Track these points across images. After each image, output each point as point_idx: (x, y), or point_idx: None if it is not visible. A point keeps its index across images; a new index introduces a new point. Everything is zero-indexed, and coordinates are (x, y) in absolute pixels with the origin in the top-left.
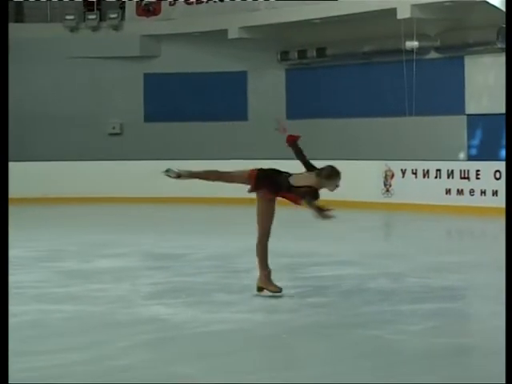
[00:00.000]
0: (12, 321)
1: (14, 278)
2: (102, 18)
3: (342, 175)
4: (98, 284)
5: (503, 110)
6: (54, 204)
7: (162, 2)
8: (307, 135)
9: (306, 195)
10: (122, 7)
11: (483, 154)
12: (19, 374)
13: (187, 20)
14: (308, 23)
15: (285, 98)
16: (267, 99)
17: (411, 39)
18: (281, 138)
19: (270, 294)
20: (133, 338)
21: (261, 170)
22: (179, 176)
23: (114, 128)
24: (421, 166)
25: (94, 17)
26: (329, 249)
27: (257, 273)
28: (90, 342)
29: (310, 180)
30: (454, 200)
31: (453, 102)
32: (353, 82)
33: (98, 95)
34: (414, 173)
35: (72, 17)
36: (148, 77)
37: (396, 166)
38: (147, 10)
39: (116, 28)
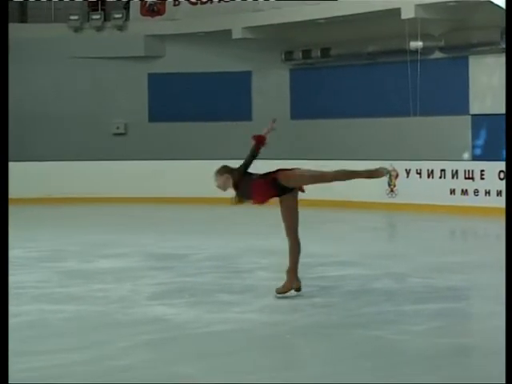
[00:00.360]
0: (13, 321)
1: (14, 278)
2: (106, 18)
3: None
4: (99, 284)
5: None
6: (57, 204)
7: (166, 2)
8: (311, 135)
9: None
10: (127, 7)
11: (487, 154)
12: (19, 374)
13: (191, 20)
14: (312, 23)
15: (289, 98)
16: (271, 99)
17: (415, 39)
18: (283, 138)
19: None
20: (133, 338)
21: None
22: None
23: (118, 128)
24: (425, 166)
25: (98, 17)
26: (332, 249)
27: (258, 273)
28: (91, 342)
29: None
30: (458, 200)
31: (457, 102)
32: (357, 82)
33: (103, 95)
34: (419, 173)
35: (76, 17)
36: (152, 77)
37: (400, 166)
38: (151, 10)
39: (120, 28)
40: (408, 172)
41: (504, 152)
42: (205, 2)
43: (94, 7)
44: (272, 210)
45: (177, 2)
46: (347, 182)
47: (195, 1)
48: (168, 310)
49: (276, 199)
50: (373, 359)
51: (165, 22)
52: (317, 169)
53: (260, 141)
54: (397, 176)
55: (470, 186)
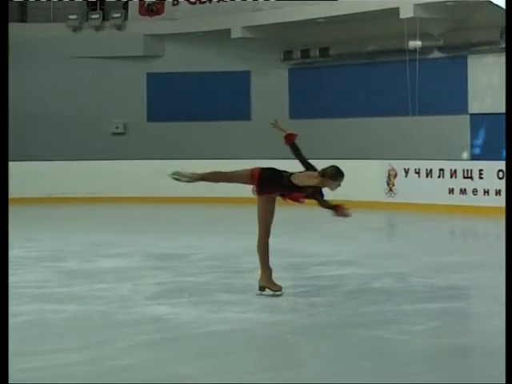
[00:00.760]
0: (12, 321)
1: (15, 278)
2: (105, 18)
3: (345, 175)
4: (100, 284)
5: None
6: (57, 204)
7: (165, 2)
8: (310, 135)
9: (314, 195)
10: (125, 7)
11: (486, 153)
12: (19, 374)
13: (190, 20)
14: (311, 23)
15: (288, 98)
16: (270, 99)
17: (414, 39)
18: (282, 137)
19: (271, 293)
20: (133, 338)
21: (263, 170)
22: (191, 180)
23: (117, 128)
24: (424, 165)
25: (97, 16)
26: (331, 249)
27: (258, 273)
28: (91, 342)
29: (312, 179)
30: (457, 200)
31: (456, 101)
32: (356, 81)
33: (102, 95)
34: (417, 172)
35: (75, 16)
36: (151, 76)
37: (399, 165)
38: (150, 10)
39: (119, 28)
40: (407, 171)
41: (503, 151)
42: (204, 2)
43: (92, 7)
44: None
45: (176, 2)
46: (345, 181)
47: (194, 0)
48: (168, 310)
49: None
50: (373, 359)
51: (164, 21)
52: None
53: (291, 138)
54: (396, 175)
55: (468, 185)
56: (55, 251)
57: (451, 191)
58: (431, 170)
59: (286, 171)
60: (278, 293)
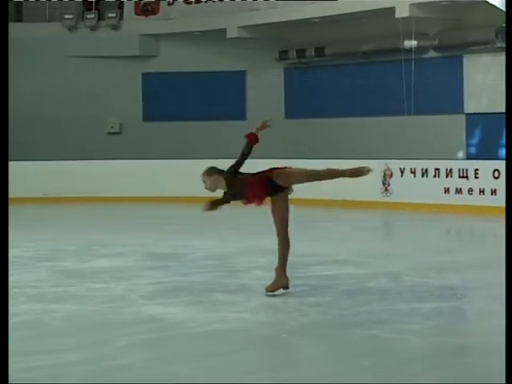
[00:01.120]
0: (10, 321)
1: (12, 277)
2: (100, 18)
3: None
4: (97, 284)
5: (502, 109)
6: (54, 204)
7: (161, 2)
8: (306, 134)
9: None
10: (121, 7)
11: (482, 153)
12: (17, 375)
13: (186, 19)
14: (307, 22)
15: (283, 98)
16: (266, 98)
17: (410, 38)
18: (278, 137)
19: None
20: (131, 337)
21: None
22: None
23: (112, 127)
24: (419, 165)
25: (92, 16)
26: (328, 248)
27: (255, 272)
28: (88, 341)
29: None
30: (452, 199)
31: (452, 101)
32: (352, 81)
33: (97, 95)
34: (413, 172)
35: (71, 16)
36: (147, 76)
37: (395, 165)
38: (146, 10)
39: (115, 27)
40: (402, 171)
41: (498, 151)
42: (199, 2)
43: (88, 7)
44: (268, 210)
45: (171, 2)
46: (341, 181)
47: (190, 0)
48: (164, 310)
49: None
50: (371, 359)
51: (159, 21)
52: (308, 168)
53: (252, 139)
54: (391, 175)
55: (464, 184)
56: (52, 251)
57: (447, 191)
58: (427, 170)
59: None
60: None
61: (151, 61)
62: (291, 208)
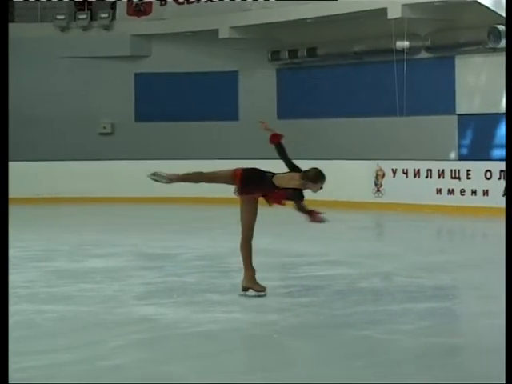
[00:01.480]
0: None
1: None
2: (92, 18)
3: (334, 175)
4: (90, 284)
5: (494, 110)
6: (46, 204)
7: (153, 2)
8: (298, 135)
9: (293, 197)
10: (113, 7)
11: (474, 153)
12: (11, 375)
13: (178, 20)
14: (299, 23)
15: (276, 98)
16: (258, 99)
17: (402, 39)
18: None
19: (254, 293)
20: (124, 337)
21: (245, 170)
22: (170, 181)
23: (104, 128)
24: (411, 165)
25: (84, 17)
26: (320, 249)
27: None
28: (81, 342)
29: (293, 181)
30: (444, 200)
31: (444, 101)
32: (344, 81)
33: (89, 95)
34: (405, 173)
35: (63, 16)
36: (139, 77)
37: (387, 165)
38: (138, 10)
39: (107, 28)
40: (394, 172)
41: (491, 152)
42: (191, 2)
43: (80, 7)
44: (260, 210)
45: (163, 2)
46: (334, 180)
47: (182, 0)
48: (157, 310)
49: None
50: (363, 359)
51: (151, 21)
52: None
53: (277, 138)
54: (383, 176)
55: (456, 185)
56: (44, 251)
57: (439, 191)
58: (419, 171)
59: (269, 172)
60: (261, 293)
61: (143, 61)
62: (285, 209)
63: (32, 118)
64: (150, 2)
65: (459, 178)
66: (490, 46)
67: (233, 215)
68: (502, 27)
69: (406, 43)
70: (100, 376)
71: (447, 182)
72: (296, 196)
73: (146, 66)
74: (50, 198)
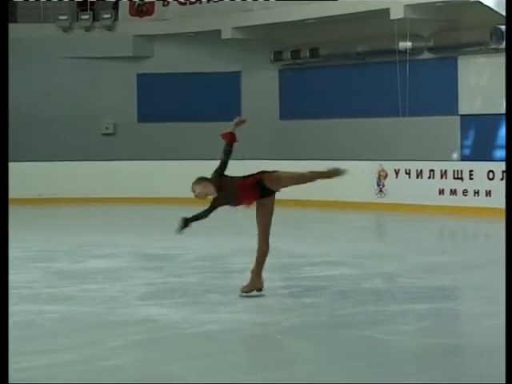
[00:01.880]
0: None
1: None
2: (95, 19)
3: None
4: (91, 284)
5: (496, 111)
6: (48, 204)
7: (156, 3)
8: (300, 135)
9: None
10: (116, 7)
11: (476, 154)
12: (12, 375)
13: (180, 20)
14: (301, 23)
15: (278, 99)
16: (260, 100)
17: (404, 40)
18: (272, 138)
19: (257, 293)
20: (124, 338)
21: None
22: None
23: (107, 128)
24: (414, 166)
25: (87, 17)
26: (321, 249)
27: (248, 273)
28: (82, 342)
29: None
30: (447, 200)
31: (446, 102)
32: (346, 82)
33: (91, 95)
34: (408, 173)
35: (65, 17)
36: (141, 77)
37: (389, 166)
38: (140, 11)
39: (109, 28)
40: (397, 172)
41: (493, 152)
42: (194, 2)
43: (82, 7)
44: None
45: (166, 2)
46: (335, 181)
47: (184, 1)
48: (158, 311)
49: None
50: (363, 359)
51: (154, 22)
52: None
53: (230, 138)
54: (386, 176)
55: (458, 186)
56: (45, 252)
57: (441, 192)
58: (421, 171)
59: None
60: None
61: (146, 62)
62: (287, 210)
63: (34, 119)
64: (153, 3)
65: (462, 179)
66: (493, 46)
67: (234, 216)
68: (504, 27)
69: (408, 44)
70: (100, 376)
71: (450, 183)
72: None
73: (149, 67)
74: (52, 199)
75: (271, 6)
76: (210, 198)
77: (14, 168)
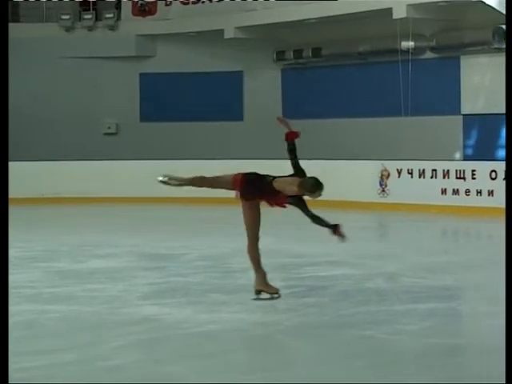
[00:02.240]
0: None
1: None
2: (97, 18)
3: (339, 175)
4: (91, 284)
5: (499, 110)
6: (49, 204)
7: (158, 2)
8: (303, 135)
9: (294, 202)
10: (118, 7)
11: (479, 154)
12: (11, 375)
13: (183, 20)
14: (304, 23)
15: (280, 98)
16: (263, 99)
17: (407, 39)
18: (275, 138)
19: (268, 296)
20: (125, 338)
21: (245, 175)
22: (180, 184)
23: (109, 128)
24: (416, 165)
25: (89, 17)
26: (323, 249)
27: (251, 273)
28: (83, 342)
29: (292, 187)
30: (449, 200)
31: (448, 102)
32: (348, 81)
33: (94, 95)
34: (410, 173)
35: (68, 17)
36: (144, 77)
37: (392, 165)
38: (143, 10)
39: (112, 28)
40: (399, 172)
41: (495, 152)
42: (196, 2)
43: (85, 7)
44: (263, 211)
45: (168, 2)
46: (339, 180)
47: (187, 1)
48: (160, 310)
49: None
50: (365, 359)
51: (156, 21)
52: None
53: (294, 136)
54: (388, 176)
55: (461, 185)
56: (47, 251)
57: (444, 192)
58: (424, 171)
59: (268, 175)
60: (275, 295)
61: (148, 61)
62: (288, 209)
63: (36, 118)
64: (155, 2)
65: (464, 179)
66: (495, 46)
67: (235, 215)
68: None
69: (410, 43)
70: (101, 376)
71: (452, 183)
72: (296, 201)
73: (151, 66)
74: (54, 199)
75: (274, 5)
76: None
77: (16, 168)
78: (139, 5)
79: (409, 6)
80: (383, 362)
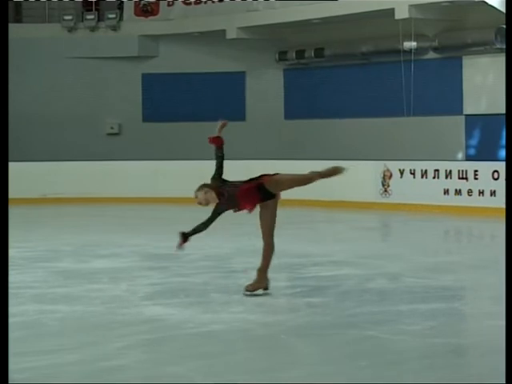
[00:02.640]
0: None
1: (10, 278)
2: (100, 19)
3: (340, 175)
4: (94, 284)
5: (501, 111)
6: (52, 204)
7: (161, 3)
8: (305, 135)
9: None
10: (121, 7)
11: (481, 154)
12: (14, 375)
13: (185, 20)
14: (306, 23)
15: (283, 99)
16: (265, 99)
17: (409, 39)
18: (277, 138)
19: (263, 292)
20: (128, 338)
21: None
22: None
23: (112, 128)
24: (419, 166)
25: (92, 17)
26: (326, 249)
27: (253, 273)
28: (85, 342)
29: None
30: (452, 200)
31: (451, 102)
32: (351, 82)
33: (96, 95)
34: (412, 173)
35: (70, 17)
36: (146, 77)
37: (394, 166)
38: (145, 11)
39: (114, 28)
40: (402, 172)
41: (498, 152)
42: (198, 2)
43: (88, 7)
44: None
45: (170, 2)
46: (341, 181)
47: (189, 1)
48: (163, 311)
49: None
50: (368, 359)
51: (159, 22)
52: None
53: (218, 142)
54: (390, 176)
55: (463, 186)
56: (50, 251)
57: (446, 192)
58: (426, 171)
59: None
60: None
61: (151, 61)
62: (290, 209)
63: (39, 119)
64: (158, 3)
65: (466, 179)
66: (498, 46)
67: (236, 215)
68: None
69: (413, 44)
70: (103, 376)
71: (454, 183)
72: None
73: (154, 67)
74: (57, 199)
75: (276, 6)
76: (212, 205)
77: (18, 168)
78: (141, 5)
79: (411, 6)
80: (386, 361)
